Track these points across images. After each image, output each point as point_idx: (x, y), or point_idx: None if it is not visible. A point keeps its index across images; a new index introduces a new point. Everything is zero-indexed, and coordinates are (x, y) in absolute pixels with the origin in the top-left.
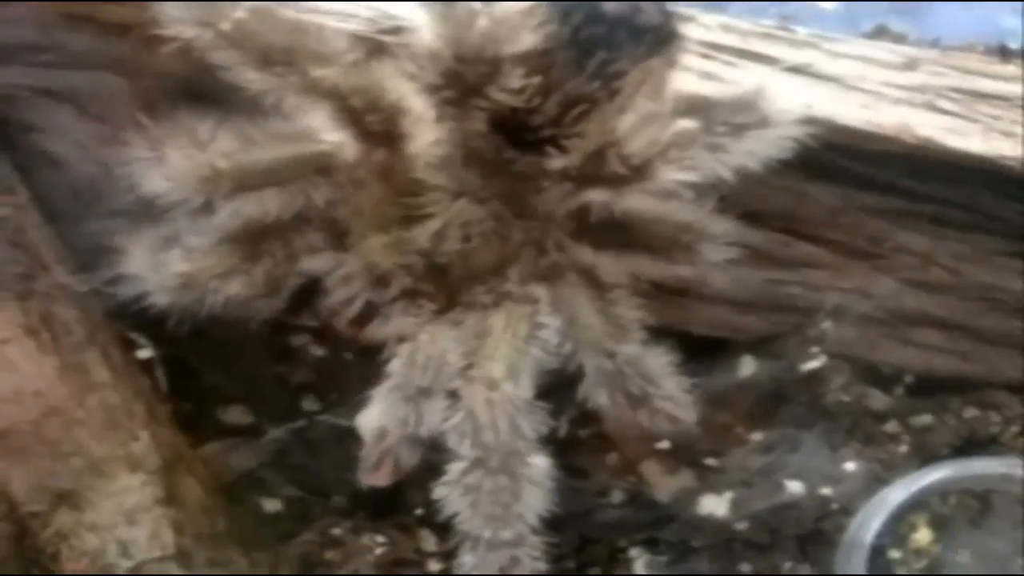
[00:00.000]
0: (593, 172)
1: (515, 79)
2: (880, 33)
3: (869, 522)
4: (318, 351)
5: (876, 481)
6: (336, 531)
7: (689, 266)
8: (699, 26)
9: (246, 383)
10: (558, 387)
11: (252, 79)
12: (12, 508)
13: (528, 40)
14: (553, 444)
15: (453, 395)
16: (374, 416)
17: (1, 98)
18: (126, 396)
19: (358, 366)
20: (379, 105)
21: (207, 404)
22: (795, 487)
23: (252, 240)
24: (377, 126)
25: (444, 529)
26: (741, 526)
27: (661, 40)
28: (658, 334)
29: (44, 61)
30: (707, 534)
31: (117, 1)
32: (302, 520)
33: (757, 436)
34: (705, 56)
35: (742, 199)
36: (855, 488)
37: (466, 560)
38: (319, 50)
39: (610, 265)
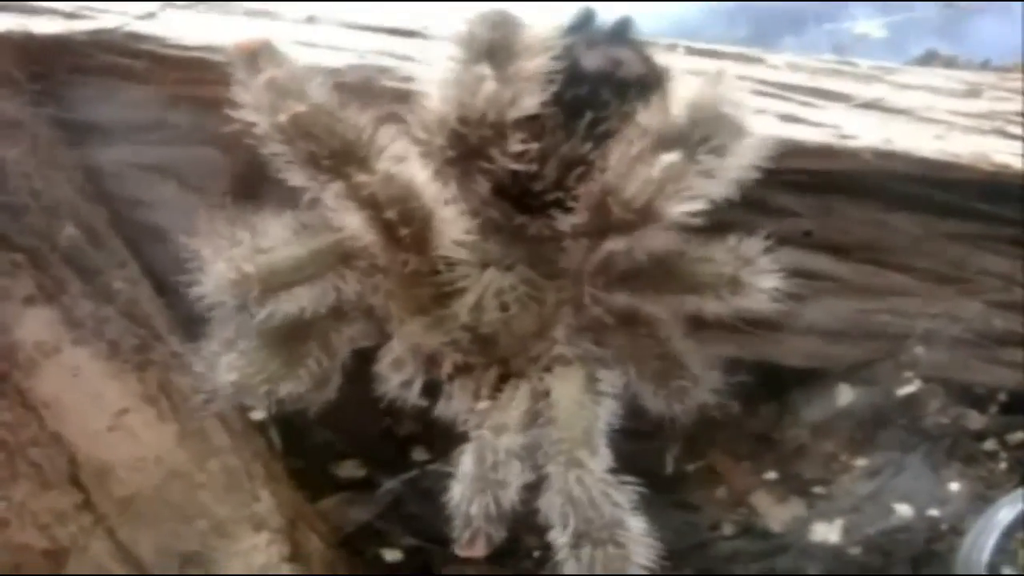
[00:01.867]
0: (602, 224)
1: (515, 144)
2: (931, 58)
3: (983, 543)
4: (420, 403)
5: (980, 500)
6: None
7: (742, 298)
8: (768, 67)
9: (356, 438)
10: (661, 425)
11: (296, 175)
12: (140, 571)
13: (529, 104)
14: (662, 480)
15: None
16: (456, 499)
17: (111, 175)
18: (245, 458)
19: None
20: (409, 211)
21: (320, 461)
22: (904, 510)
23: (290, 342)
24: (403, 225)
25: None
26: (854, 551)
27: (646, 88)
28: (751, 368)
29: (149, 139)
30: (821, 561)
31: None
32: (424, 568)
33: (861, 462)
34: (781, 97)
35: (828, 233)
36: (961, 507)
37: None
38: (364, 156)
39: (653, 307)
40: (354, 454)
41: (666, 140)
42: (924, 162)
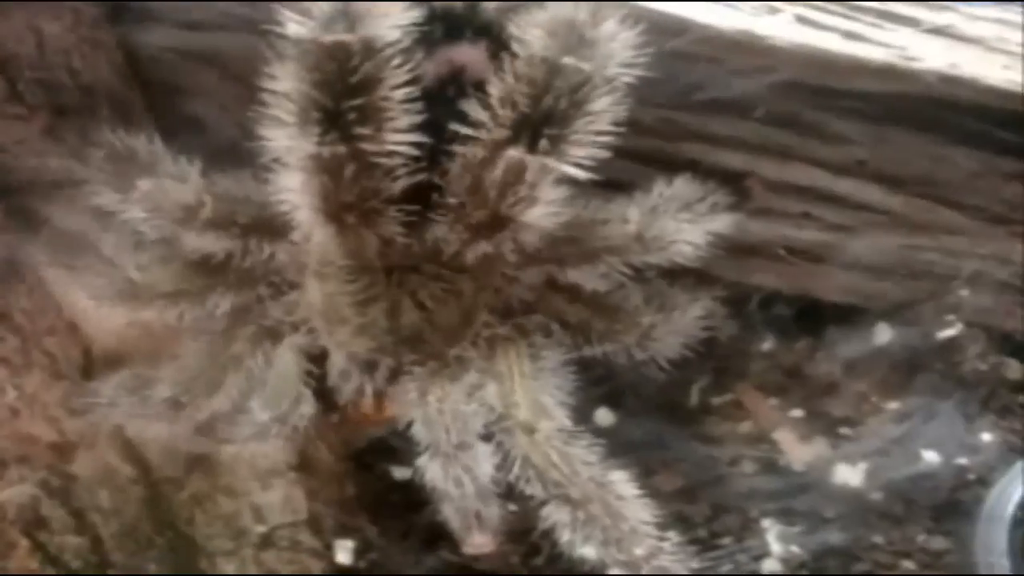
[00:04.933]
0: (470, 233)
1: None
2: None
3: (1009, 494)
4: None
5: (1012, 452)
6: None
7: (659, 254)
8: None
9: None
10: (688, 357)
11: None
12: (146, 472)
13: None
14: (685, 412)
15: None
16: (431, 484)
17: (148, 60)
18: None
19: None
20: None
21: None
22: (931, 457)
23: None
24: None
25: None
26: (875, 496)
27: None
28: (792, 301)
29: (190, 22)
30: (841, 504)
31: None
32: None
33: (892, 405)
34: (847, 16)
35: (882, 164)
36: (992, 459)
37: None
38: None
39: (571, 274)
40: None
41: (509, 132)
42: (989, 90)
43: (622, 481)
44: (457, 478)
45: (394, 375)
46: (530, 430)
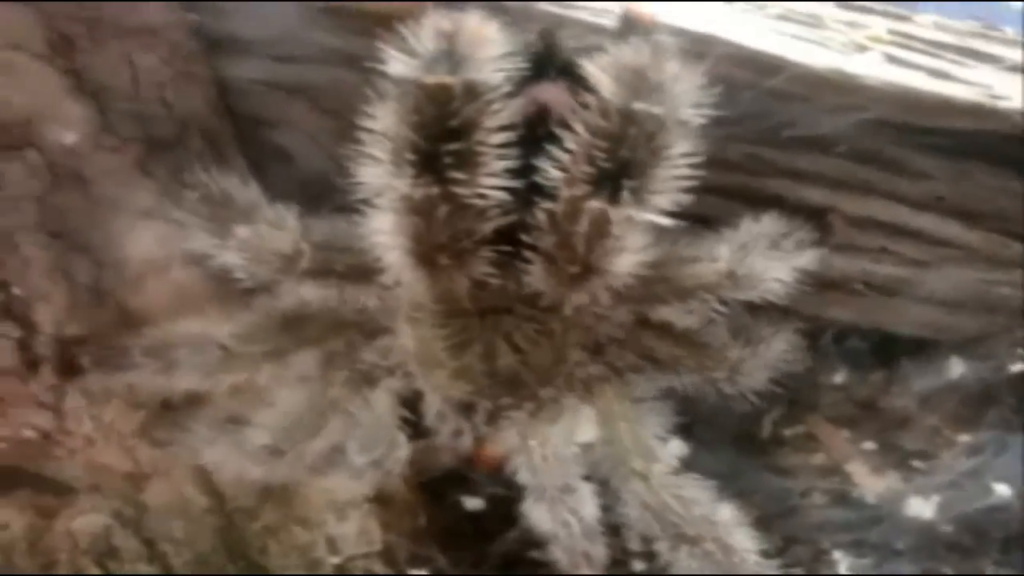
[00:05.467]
0: (558, 284)
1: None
2: None
3: None
4: None
5: None
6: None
7: (749, 291)
8: (916, 25)
9: None
10: (762, 388)
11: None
12: (220, 502)
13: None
14: (757, 443)
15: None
16: (539, 527)
17: (237, 92)
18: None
19: None
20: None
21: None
22: (1002, 490)
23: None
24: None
25: None
26: (946, 528)
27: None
28: (866, 334)
29: (282, 55)
30: (912, 536)
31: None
32: (505, 519)
33: (965, 438)
34: (931, 55)
35: (960, 199)
36: None
37: None
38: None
39: (662, 312)
40: None
41: (591, 186)
42: None
43: (729, 513)
44: (564, 521)
45: (492, 418)
46: (644, 477)
